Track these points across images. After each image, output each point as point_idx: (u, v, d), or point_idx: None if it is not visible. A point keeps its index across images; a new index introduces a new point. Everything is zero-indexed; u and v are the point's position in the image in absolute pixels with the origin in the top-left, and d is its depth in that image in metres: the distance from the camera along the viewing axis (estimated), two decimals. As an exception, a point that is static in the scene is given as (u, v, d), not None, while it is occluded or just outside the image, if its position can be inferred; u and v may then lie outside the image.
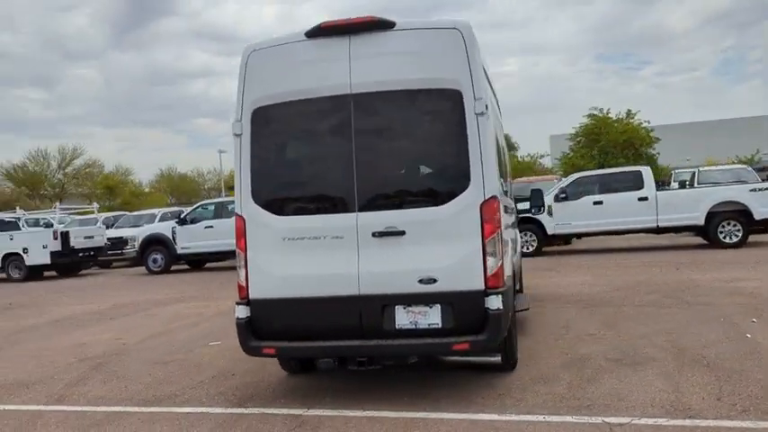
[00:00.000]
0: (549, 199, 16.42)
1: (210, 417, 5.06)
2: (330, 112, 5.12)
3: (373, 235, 4.95)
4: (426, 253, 4.91)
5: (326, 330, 5.03)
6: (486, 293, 4.83)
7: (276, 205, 5.21)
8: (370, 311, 4.94)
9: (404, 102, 5.06)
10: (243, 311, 5.17)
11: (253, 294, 5.18)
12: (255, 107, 5.24)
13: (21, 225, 22.63)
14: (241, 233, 5.25)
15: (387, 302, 4.93)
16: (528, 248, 16.48)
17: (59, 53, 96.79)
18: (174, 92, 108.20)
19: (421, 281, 4.87)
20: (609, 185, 16.20)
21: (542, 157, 52.68)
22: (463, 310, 4.86)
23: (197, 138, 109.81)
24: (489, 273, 4.86)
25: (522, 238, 16.31)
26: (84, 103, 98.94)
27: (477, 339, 4.80)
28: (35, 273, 21.35)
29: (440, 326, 4.88)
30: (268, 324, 5.15)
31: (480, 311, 4.81)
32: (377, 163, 5.09)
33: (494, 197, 4.91)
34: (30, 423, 5.25)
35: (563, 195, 16.21)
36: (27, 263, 21.16)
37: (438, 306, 4.89)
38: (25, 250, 21.20)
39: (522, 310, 7.17)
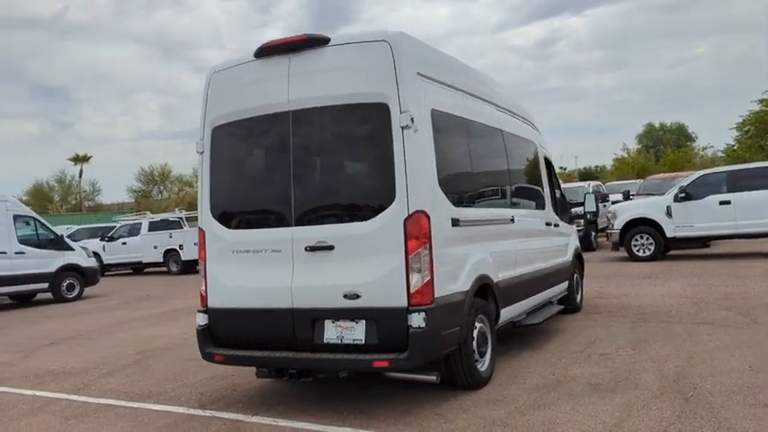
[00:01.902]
0: (668, 198, 15.17)
1: (168, 416, 5.43)
2: (272, 130, 5.28)
3: (306, 249, 5.03)
4: (352, 268, 4.90)
5: (266, 341, 5.20)
6: (408, 311, 4.72)
7: (228, 219, 5.47)
8: (301, 324, 5.03)
9: (335, 117, 5.08)
10: (202, 319, 5.50)
11: (210, 303, 5.49)
12: (213, 126, 5.54)
13: (183, 224, 25.11)
14: (202, 245, 5.58)
15: (316, 316, 5.00)
16: (643, 252, 15.30)
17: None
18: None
19: (345, 296, 4.87)
20: (739, 183, 14.47)
21: (705, 149, 48.09)
22: (386, 326, 4.80)
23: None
24: (413, 289, 4.74)
25: (637, 241, 15.31)
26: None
27: (397, 358, 4.70)
28: (189, 267, 23.63)
29: (363, 342, 4.85)
30: (223, 332, 5.43)
31: (403, 329, 4.71)
32: (311, 178, 5.17)
33: (420, 212, 4.78)
34: (38, 408, 5.97)
35: (682, 195, 14.80)
36: (182, 258, 23.50)
37: (363, 322, 4.87)
38: (181, 247, 23.55)
39: (532, 324, 6.89)
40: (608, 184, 29.31)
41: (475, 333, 5.52)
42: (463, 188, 5.65)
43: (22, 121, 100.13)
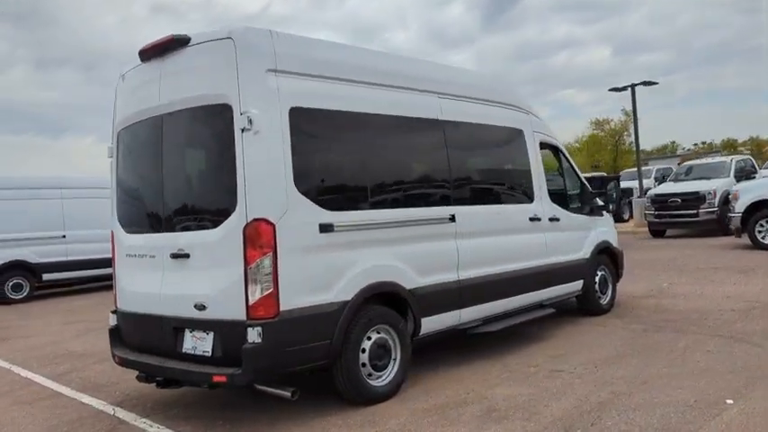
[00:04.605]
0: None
1: (84, 410, 5.65)
2: (150, 134, 5.23)
3: (171, 256, 4.96)
4: (202, 278, 4.76)
5: (147, 346, 5.25)
6: (246, 325, 4.48)
7: (124, 223, 5.57)
8: (166, 332, 4.99)
9: (192, 120, 4.94)
10: (113, 320, 5.67)
11: (117, 305, 5.65)
12: (117, 131, 5.64)
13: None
14: (113, 248, 5.74)
15: (177, 325, 4.93)
16: (768, 239, 13.22)
17: (439, 43, 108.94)
18: (539, 66, 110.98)
19: (196, 306, 4.75)
20: None
21: None
22: (227, 340, 4.61)
23: (562, 109, 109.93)
24: (251, 302, 4.49)
25: (762, 226, 13.38)
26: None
27: (234, 373, 4.49)
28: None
29: (210, 354, 4.71)
30: (124, 334, 5.56)
31: (241, 343, 4.49)
32: (176, 183, 5.08)
33: (260, 220, 4.49)
34: (9, 391, 6.53)
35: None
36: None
37: (211, 334, 4.72)
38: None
39: (488, 332, 6.29)
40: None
41: (367, 345, 5.12)
42: (346, 190, 5.20)
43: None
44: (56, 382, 6.81)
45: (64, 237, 15.64)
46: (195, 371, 4.72)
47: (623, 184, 24.37)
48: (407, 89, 5.76)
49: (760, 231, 13.42)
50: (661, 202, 17.83)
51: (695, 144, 74.41)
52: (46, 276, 15.40)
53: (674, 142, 77.40)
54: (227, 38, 4.64)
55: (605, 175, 20.16)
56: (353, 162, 5.31)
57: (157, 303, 5.07)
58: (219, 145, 4.78)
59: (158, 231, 5.14)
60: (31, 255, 15.19)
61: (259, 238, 4.49)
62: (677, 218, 17.53)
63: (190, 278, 4.84)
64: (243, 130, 4.49)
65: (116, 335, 5.62)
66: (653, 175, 26.79)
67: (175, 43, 4.96)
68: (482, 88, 6.72)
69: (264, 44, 4.71)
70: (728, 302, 8.12)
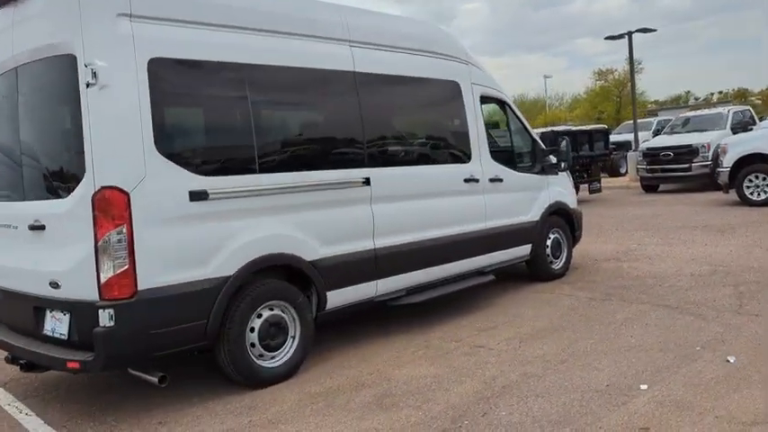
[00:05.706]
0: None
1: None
2: (7, 90, 4.68)
3: (29, 228, 4.45)
4: (56, 252, 4.25)
5: (13, 325, 4.81)
6: (97, 306, 3.99)
7: None
8: (28, 311, 4.53)
9: (39, 74, 4.39)
10: None
11: None
12: None
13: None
14: None
15: (37, 304, 4.46)
16: (758, 195, 12.56)
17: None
18: (555, 13, 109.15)
19: (50, 284, 4.26)
20: None
21: None
22: (81, 322, 4.13)
23: (576, 59, 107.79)
24: (103, 281, 3.99)
25: (751, 181, 12.73)
26: (474, 35, 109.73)
27: (86, 360, 4.03)
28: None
29: (66, 337, 4.25)
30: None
31: (94, 327, 4.01)
32: (31, 146, 4.57)
33: (110, 188, 3.96)
34: None
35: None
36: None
37: (68, 315, 4.25)
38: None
39: (410, 304, 5.79)
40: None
41: (256, 324, 4.64)
42: (226, 152, 4.63)
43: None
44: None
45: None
46: (50, 354, 4.26)
47: (620, 138, 23.67)
48: (307, 36, 5.11)
49: (748, 187, 12.71)
50: (653, 155, 17.04)
51: (711, 93, 72.20)
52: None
53: (688, 92, 75.23)
54: None
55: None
56: (235, 121, 4.72)
57: (19, 279, 4.60)
58: (67, 102, 4.23)
59: (19, 200, 4.64)
60: None
61: (110, 208, 3.97)
62: (669, 172, 16.77)
63: (45, 252, 4.34)
64: (88, 85, 3.93)
65: None
66: (653, 128, 25.84)
67: None
68: (408, 36, 6.03)
69: None
70: (691, 266, 7.55)
